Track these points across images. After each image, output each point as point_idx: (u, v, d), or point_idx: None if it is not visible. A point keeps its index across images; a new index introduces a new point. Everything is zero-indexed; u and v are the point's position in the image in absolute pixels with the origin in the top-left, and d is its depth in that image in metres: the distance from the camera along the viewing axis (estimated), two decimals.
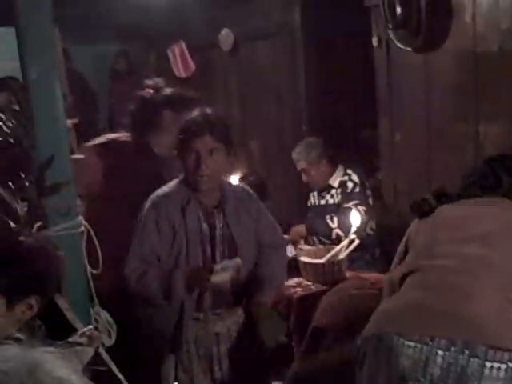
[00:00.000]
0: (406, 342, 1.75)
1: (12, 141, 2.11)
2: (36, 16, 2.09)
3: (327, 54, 4.85)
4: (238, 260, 2.45)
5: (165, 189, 2.50)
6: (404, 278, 1.98)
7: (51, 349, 1.57)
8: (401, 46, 3.62)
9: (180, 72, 5.90)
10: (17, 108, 2.16)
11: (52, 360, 1.42)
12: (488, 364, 1.68)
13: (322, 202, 4.09)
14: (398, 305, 1.90)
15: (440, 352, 1.72)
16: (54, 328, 1.76)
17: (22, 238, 1.73)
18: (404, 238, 2.19)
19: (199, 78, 5.79)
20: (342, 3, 4.26)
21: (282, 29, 4.88)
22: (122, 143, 2.96)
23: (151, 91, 2.94)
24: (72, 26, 6.49)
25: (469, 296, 1.81)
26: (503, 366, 1.68)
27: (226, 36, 5.33)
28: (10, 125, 2.13)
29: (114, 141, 2.98)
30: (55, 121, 2.17)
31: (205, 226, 2.45)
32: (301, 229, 4.06)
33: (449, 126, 3.52)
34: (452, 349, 1.71)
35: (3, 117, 2.18)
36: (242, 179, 4.37)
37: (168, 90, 2.95)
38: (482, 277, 1.85)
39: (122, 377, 1.80)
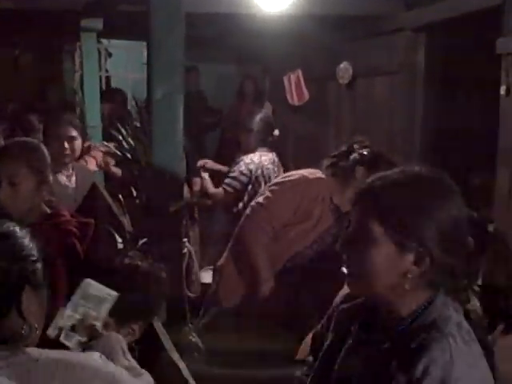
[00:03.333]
0: None
1: (130, 157, 2.14)
2: (169, 38, 2.11)
3: (448, 98, 4.69)
4: None
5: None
6: None
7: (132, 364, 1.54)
8: None
9: (293, 100, 5.91)
10: (138, 125, 2.18)
11: (129, 379, 1.38)
12: None
13: None
14: None
15: None
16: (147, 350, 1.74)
17: (138, 263, 1.71)
18: None
19: (312, 107, 5.77)
20: (470, 48, 4.11)
21: (404, 67, 4.77)
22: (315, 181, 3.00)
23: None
24: (198, 45, 6.70)
25: None
26: None
27: (344, 69, 5.27)
28: (130, 141, 2.16)
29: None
30: (174, 141, 2.17)
31: None
32: None
33: None
34: None
35: (124, 132, 2.21)
36: None
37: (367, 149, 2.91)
38: None
39: None
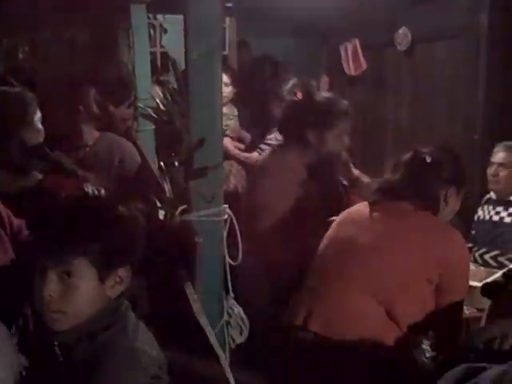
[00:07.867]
0: None
1: (166, 119, 2.08)
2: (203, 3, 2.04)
3: None
4: None
5: None
6: None
7: None
8: None
9: (350, 70, 5.76)
10: (175, 86, 2.12)
11: None
12: None
13: (495, 218, 3.69)
14: None
15: None
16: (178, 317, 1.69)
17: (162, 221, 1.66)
18: None
19: (370, 76, 5.60)
20: None
21: (466, 31, 4.54)
22: None
23: (300, 95, 2.80)
24: (251, 19, 6.59)
25: None
26: None
27: (402, 35, 5.08)
28: (166, 103, 2.10)
29: None
30: (211, 103, 2.09)
31: None
32: None
33: None
34: None
35: (161, 95, 2.15)
36: None
37: (317, 97, 2.75)
38: None
39: None
